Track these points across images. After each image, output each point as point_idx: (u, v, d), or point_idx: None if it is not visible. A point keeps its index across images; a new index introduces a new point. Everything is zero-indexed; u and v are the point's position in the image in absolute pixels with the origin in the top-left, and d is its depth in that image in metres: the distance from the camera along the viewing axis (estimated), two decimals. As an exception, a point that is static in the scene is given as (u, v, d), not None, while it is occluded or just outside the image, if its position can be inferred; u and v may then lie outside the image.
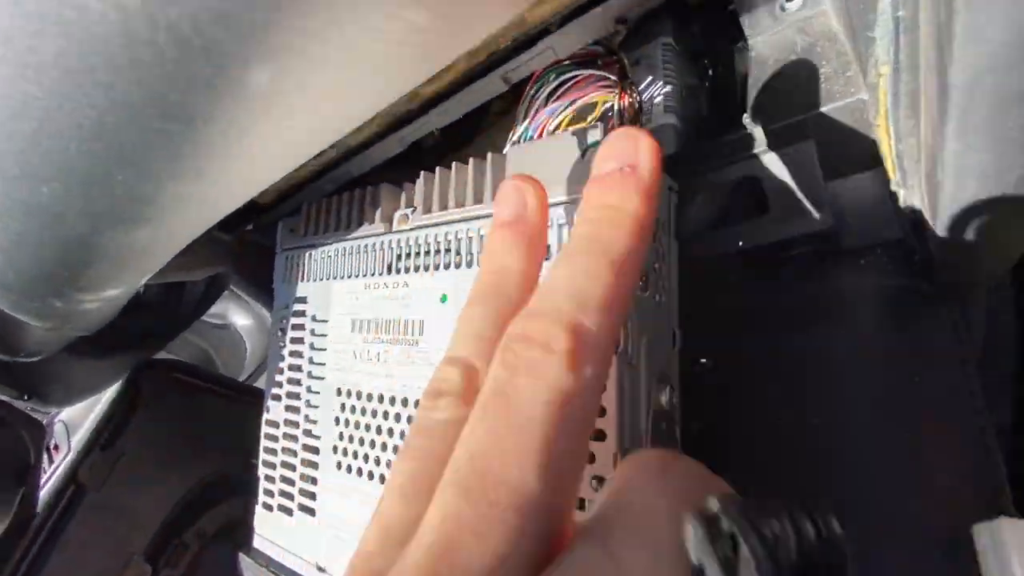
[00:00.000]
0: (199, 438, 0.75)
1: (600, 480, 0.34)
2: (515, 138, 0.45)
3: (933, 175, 0.29)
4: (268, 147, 0.27)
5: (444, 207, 0.47)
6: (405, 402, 0.47)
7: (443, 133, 0.60)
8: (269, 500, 0.60)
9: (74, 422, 0.89)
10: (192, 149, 0.24)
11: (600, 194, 0.23)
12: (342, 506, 0.52)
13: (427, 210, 0.49)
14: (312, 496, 0.55)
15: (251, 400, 0.63)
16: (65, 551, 0.64)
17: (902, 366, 0.40)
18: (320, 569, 0.53)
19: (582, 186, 0.38)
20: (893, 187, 0.39)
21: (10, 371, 0.95)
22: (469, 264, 0.44)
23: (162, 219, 0.30)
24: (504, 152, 0.44)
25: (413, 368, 0.47)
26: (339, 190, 0.57)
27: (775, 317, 0.46)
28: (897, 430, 0.39)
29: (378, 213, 0.52)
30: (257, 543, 0.61)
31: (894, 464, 0.39)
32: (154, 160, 0.25)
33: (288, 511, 0.58)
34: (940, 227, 0.31)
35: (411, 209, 0.50)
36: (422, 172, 0.50)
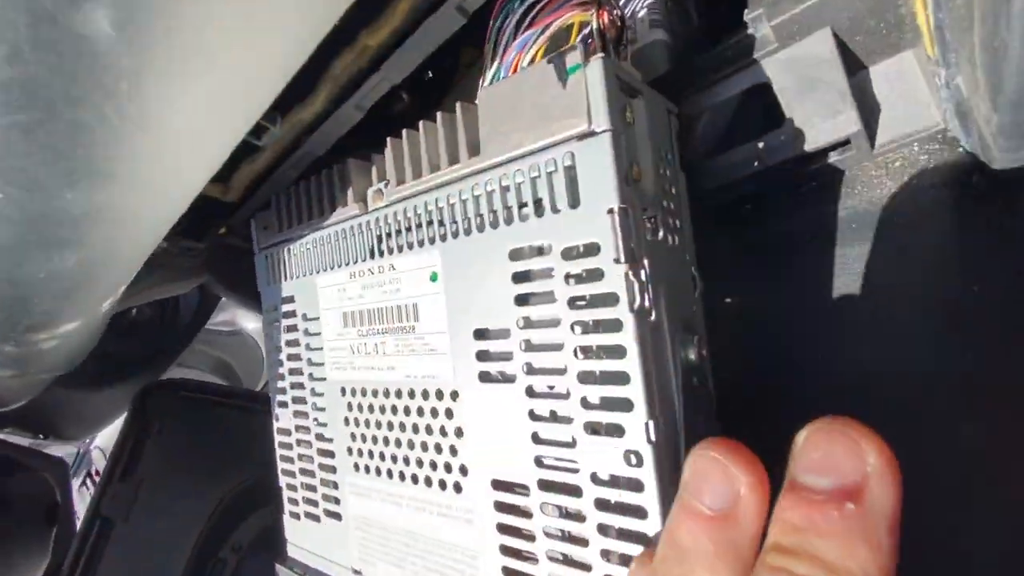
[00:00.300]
0: (218, 453, 0.74)
1: (636, 456, 0.30)
2: (486, 83, 0.39)
3: (993, 36, 0.24)
4: (185, 119, 0.22)
5: (418, 175, 0.42)
6: (412, 394, 0.44)
7: (411, 95, 0.54)
8: (295, 508, 0.58)
9: (109, 447, 0.88)
10: (88, 142, 0.19)
11: (807, 539, 0.16)
12: (367, 507, 0.49)
13: (400, 181, 0.44)
14: (335, 500, 0.53)
15: (266, 407, 0.60)
16: (105, 589, 0.64)
17: (955, 276, 0.35)
18: (356, 572, 0.51)
19: (569, 122, 0.33)
20: (931, 67, 0.33)
21: (23, 414, 0.93)
22: (456, 234, 0.39)
23: (84, 239, 0.26)
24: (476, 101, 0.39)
25: (414, 357, 0.44)
26: (305, 175, 0.52)
27: (802, 242, 0.41)
28: (959, 350, 0.34)
29: (350, 193, 0.47)
30: (291, 552, 0.59)
31: (953, 386, 0.35)
32: (46, 165, 0.20)
33: (315, 518, 0.56)
34: (1004, 103, 0.26)
35: (384, 183, 0.45)
36: (388, 139, 0.44)
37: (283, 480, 0.59)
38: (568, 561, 0.34)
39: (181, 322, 0.97)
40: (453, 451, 0.41)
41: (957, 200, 0.36)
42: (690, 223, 0.39)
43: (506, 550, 0.37)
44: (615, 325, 0.31)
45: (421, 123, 0.42)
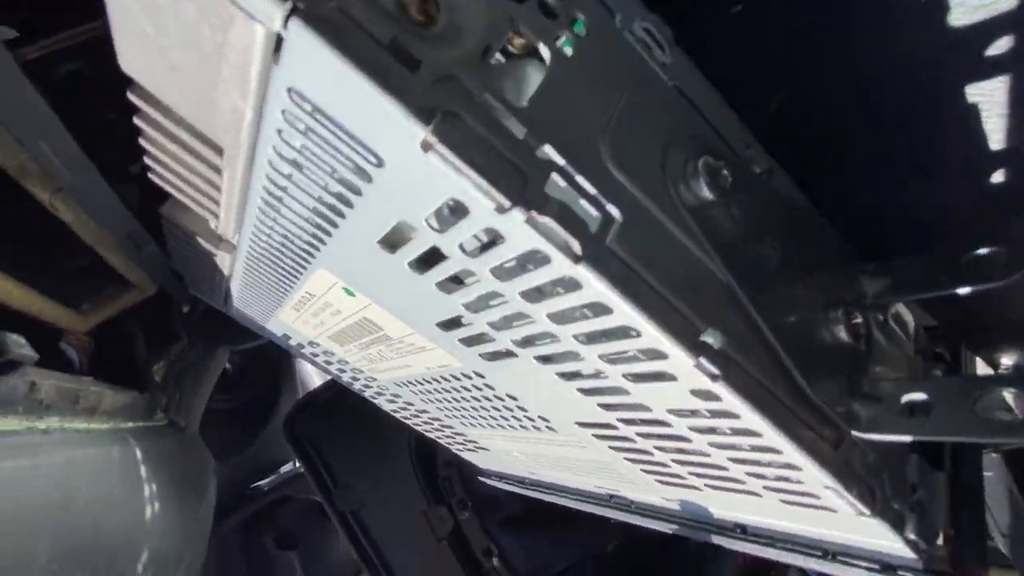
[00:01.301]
0: (383, 435, 0.80)
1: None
2: None
3: None
4: None
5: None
6: (446, 378, 0.38)
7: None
8: (460, 450, 0.62)
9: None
10: None
11: None
12: (494, 444, 0.50)
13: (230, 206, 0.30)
14: (475, 445, 0.54)
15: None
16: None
17: None
18: (532, 473, 0.55)
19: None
20: None
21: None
22: (324, 230, 0.26)
23: None
24: None
25: (412, 356, 0.36)
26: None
27: None
28: None
29: (197, 238, 0.36)
30: (482, 466, 0.66)
31: None
32: None
33: (474, 451, 0.59)
34: None
35: (214, 220, 0.32)
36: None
37: (441, 439, 0.62)
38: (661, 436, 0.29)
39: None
40: (522, 409, 0.36)
41: None
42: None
43: (618, 448, 0.34)
44: (573, 284, 0.19)
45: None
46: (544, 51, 0.20)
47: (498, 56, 0.21)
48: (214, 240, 0.36)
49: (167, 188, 0.31)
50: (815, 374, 0.24)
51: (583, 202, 0.19)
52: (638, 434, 0.29)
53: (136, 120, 0.25)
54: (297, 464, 1.04)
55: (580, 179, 0.19)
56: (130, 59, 0.20)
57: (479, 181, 0.17)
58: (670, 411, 0.25)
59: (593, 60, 0.21)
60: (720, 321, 0.21)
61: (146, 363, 0.54)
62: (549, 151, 0.18)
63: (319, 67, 0.15)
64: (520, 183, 0.17)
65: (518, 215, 0.17)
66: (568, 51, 0.20)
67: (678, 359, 0.20)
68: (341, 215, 0.23)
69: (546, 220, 0.17)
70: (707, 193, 0.21)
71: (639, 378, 0.23)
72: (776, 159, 0.28)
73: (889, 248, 0.30)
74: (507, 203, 0.17)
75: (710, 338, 0.21)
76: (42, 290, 0.43)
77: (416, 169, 0.17)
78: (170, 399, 0.57)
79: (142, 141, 0.27)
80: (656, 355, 0.21)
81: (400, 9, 0.17)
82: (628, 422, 0.29)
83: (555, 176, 0.18)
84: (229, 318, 0.56)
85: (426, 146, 0.16)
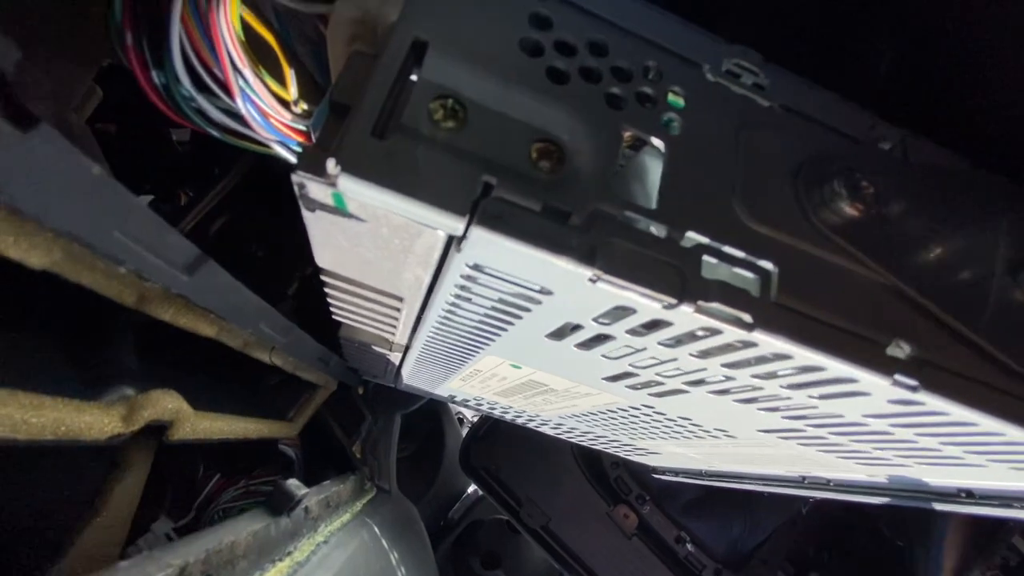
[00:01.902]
0: (546, 450, 0.87)
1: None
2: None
3: None
4: None
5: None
6: (607, 410, 0.40)
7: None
8: (631, 456, 0.65)
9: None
10: None
11: None
12: (665, 449, 0.51)
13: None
14: (647, 451, 0.56)
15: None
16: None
17: None
18: (710, 467, 0.55)
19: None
20: None
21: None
22: (492, 337, 0.30)
23: None
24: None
25: (580, 399, 0.39)
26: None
27: None
28: None
29: (373, 347, 0.42)
30: (654, 465, 0.67)
31: None
32: None
33: (652, 455, 0.61)
34: None
35: (390, 336, 0.38)
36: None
37: (607, 450, 0.65)
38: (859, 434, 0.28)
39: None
40: (696, 425, 0.37)
41: None
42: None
43: (809, 445, 0.34)
44: (747, 344, 0.20)
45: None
46: (655, 143, 0.21)
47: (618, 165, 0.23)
48: (388, 346, 0.42)
49: (348, 321, 0.37)
50: (1017, 342, 0.23)
51: (737, 270, 0.20)
52: (831, 434, 0.30)
53: (326, 287, 0.30)
54: (476, 490, 1.13)
55: (728, 249, 0.20)
56: (325, 258, 0.25)
57: (643, 291, 0.19)
58: (867, 416, 0.25)
59: (700, 125, 0.22)
60: (903, 329, 0.21)
61: (346, 446, 0.63)
62: (694, 236, 0.20)
63: (494, 248, 0.18)
64: (679, 280, 0.19)
65: (685, 308, 0.19)
66: (676, 130, 0.22)
67: (869, 380, 0.21)
68: (509, 325, 0.26)
69: (712, 305, 0.19)
70: (852, 211, 0.22)
71: (828, 396, 0.24)
72: (904, 123, 0.27)
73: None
74: (672, 301, 0.19)
75: (898, 351, 0.21)
76: (262, 416, 0.53)
77: (584, 292, 0.20)
78: (372, 469, 0.66)
79: (329, 294, 0.32)
80: (845, 381, 0.21)
81: (535, 168, 0.19)
82: (819, 426, 0.29)
83: (706, 258, 0.20)
84: (399, 390, 0.64)
85: (594, 279, 0.18)
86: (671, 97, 0.22)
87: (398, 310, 0.30)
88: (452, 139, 0.19)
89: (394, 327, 0.35)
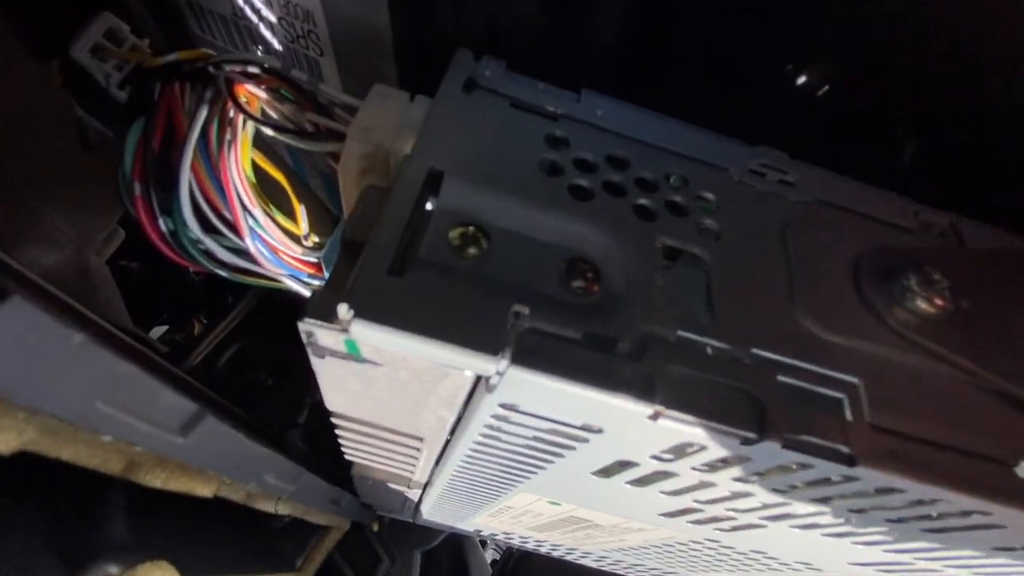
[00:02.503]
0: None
1: None
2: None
3: None
4: None
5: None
6: (662, 545, 0.35)
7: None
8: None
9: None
10: None
11: None
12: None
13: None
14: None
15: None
16: None
17: None
18: None
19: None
20: None
21: None
22: (526, 475, 0.26)
23: None
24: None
25: (626, 535, 0.34)
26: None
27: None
28: None
29: (389, 484, 0.37)
30: None
31: None
32: None
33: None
34: None
35: (407, 474, 0.34)
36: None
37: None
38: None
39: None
40: (772, 559, 0.32)
41: None
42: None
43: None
44: (847, 479, 0.17)
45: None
46: (695, 251, 0.19)
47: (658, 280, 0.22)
48: (406, 483, 0.37)
49: (360, 461, 0.33)
50: None
51: (819, 388, 0.17)
52: (948, 566, 0.24)
53: (337, 429, 0.27)
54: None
55: (803, 365, 0.17)
56: (336, 403, 0.22)
57: (715, 426, 0.16)
58: (997, 548, 0.20)
59: (739, 228, 0.20)
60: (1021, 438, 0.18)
61: (363, 595, 0.55)
62: (761, 353, 0.17)
63: (533, 387, 0.16)
64: (756, 409, 0.16)
65: (770, 444, 0.16)
66: (715, 236, 0.20)
67: (1005, 513, 0.17)
68: (548, 464, 0.23)
69: (802, 438, 0.16)
70: (930, 307, 0.19)
71: (947, 530, 0.20)
72: (943, 203, 0.25)
73: None
74: (752, 435, 0.16)
75: (1030, 472, 0.17)
76: (267, 569, 0.46)
77: (642, 429, 0.17)
78: (391, 622, 0.57)
79: (340, 436, 0.29)
80: (971, 514, 0.17)
81: (570, 292, 0.17)
82: (932, 559, 0.24)
83: (782, 378, 0.17)
84: (417, 524, 0.57)
85: (655, 416, 0.16)
86: (703, 203, 0.21)
87: (417, 450, 0.27)
88: (476, 268, 0.17)
89: (413, 466, 0.31)
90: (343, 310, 0.15)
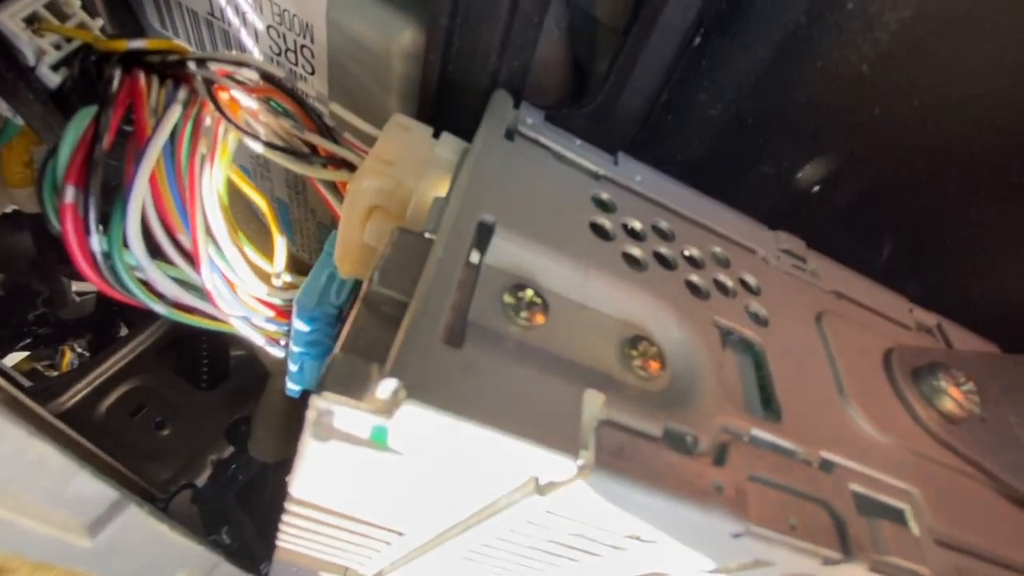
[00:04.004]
0: None
1: None
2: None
3: None
4: None
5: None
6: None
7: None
8: None
9: None
10: None
11: None
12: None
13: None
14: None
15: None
16: None
17: None
18: None
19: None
20: None
21: None
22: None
23: None
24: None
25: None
26: None
27: None
28: None
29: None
30: None
31: None
32: None
33: None
34: None
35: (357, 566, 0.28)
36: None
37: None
38: None
39: None
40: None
41: None
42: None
43: None
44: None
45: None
46: (748, 334, 0.18)
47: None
48: (341, 571, 0.31)
49: (299, 549, 0.27)
50: None
51: (885, 499, 0.16)
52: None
53: (288, 515, 0.22)
54: None
55: (870, 472, 0.16)
56: (307, 491, 0.18)
57: (798, 544, 0.14)
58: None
59: (783, 314, 0.19)
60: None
61: None
62: (830, 457, 0.16)
63: (605, 494, 0.13)
64: (836, 524, 0.14)
65: (854, 567, 0.14)
66: (766, 321, 0.19)
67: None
68: (567, 563, 0.19)
69: (887, 559, 0.14)
70: (959, 410, 0.19)
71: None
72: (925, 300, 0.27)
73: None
74: (836, 556, 0.14)
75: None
76: None
77: (713, 543, 0.14)
78: None
79: (288, 522, 0.24)
80: None
81: (639, 375, 0.15)
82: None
83: (855, 487, 0.15)
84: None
85: (743, 532, 0.13)
86: (745, 286, 0.20)
87: (387, 544, 0.22)
88: (535, 340, 0.14)
89: (368, 559, 0.26)
90: (389, 387, 0.11)
